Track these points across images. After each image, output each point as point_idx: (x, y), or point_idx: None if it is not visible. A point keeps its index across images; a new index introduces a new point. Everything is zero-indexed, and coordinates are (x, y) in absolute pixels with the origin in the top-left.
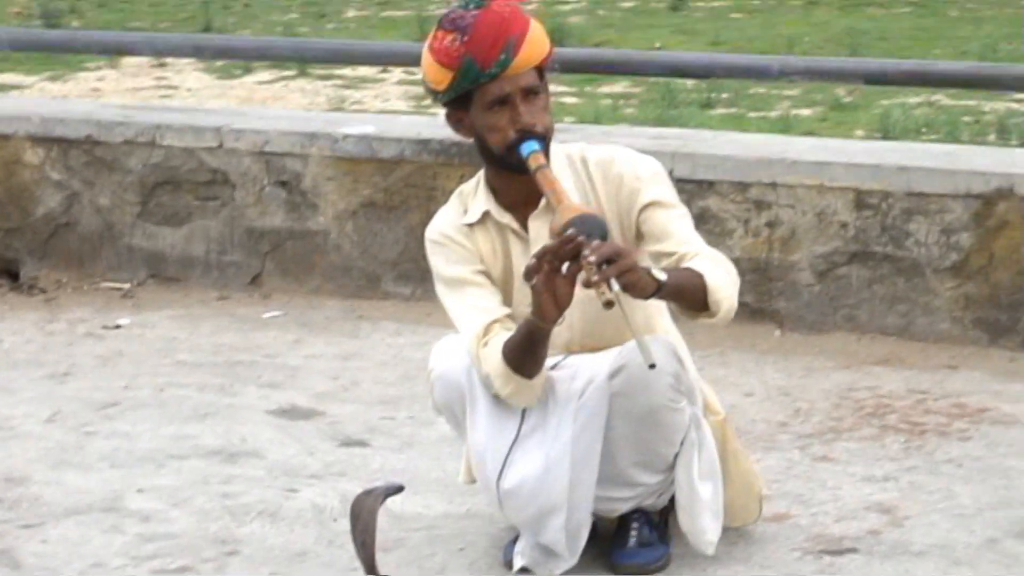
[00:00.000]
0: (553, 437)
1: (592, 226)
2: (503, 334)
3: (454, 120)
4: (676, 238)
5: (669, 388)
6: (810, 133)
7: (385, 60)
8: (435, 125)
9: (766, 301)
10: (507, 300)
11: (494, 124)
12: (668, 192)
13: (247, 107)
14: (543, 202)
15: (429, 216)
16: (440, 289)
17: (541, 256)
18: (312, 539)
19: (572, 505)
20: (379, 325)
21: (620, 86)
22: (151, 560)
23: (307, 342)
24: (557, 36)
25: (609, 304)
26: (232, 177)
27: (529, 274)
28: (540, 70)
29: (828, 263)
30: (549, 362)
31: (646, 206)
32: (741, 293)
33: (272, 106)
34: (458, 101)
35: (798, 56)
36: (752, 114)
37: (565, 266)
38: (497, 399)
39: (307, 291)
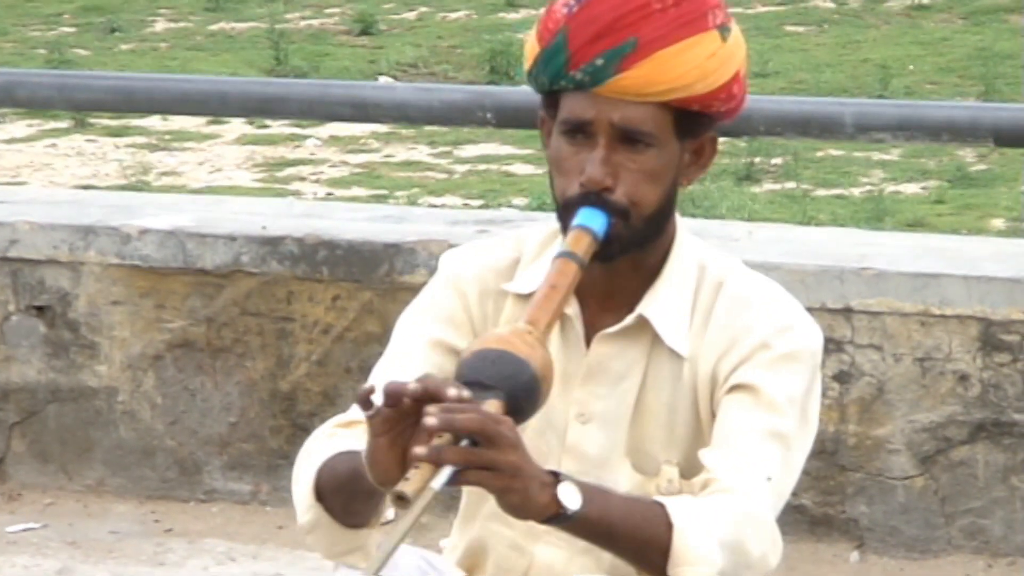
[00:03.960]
0: None
1: (503, 376)
2: (349, 437)
3: (540, 122)
4: (727, 450)
5: None
6: (915, 226)
7: (214, 106)
8: (292, 213)
9: (836, 504)
10: None
11: (562, 159)
12: (785, 388)
13: None
14: (631, 318)
15: (280, 364)
16: (398, 325)
17: (395, 391)
18: None
19: None
20: (199, 544)
21: None
22: None
23: (80, 574)
24: (501, 62)
25: (400, 499)
26: None
27: (365, 401)
28: (684, 115)
29: (938, 441)
30: None
31: (734, 387)
32: (796, 493)
33: (27, 182)
34: (550, 98)
35: (895, 100)
36: (821, 192)
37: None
38: None
39: (80, 488)
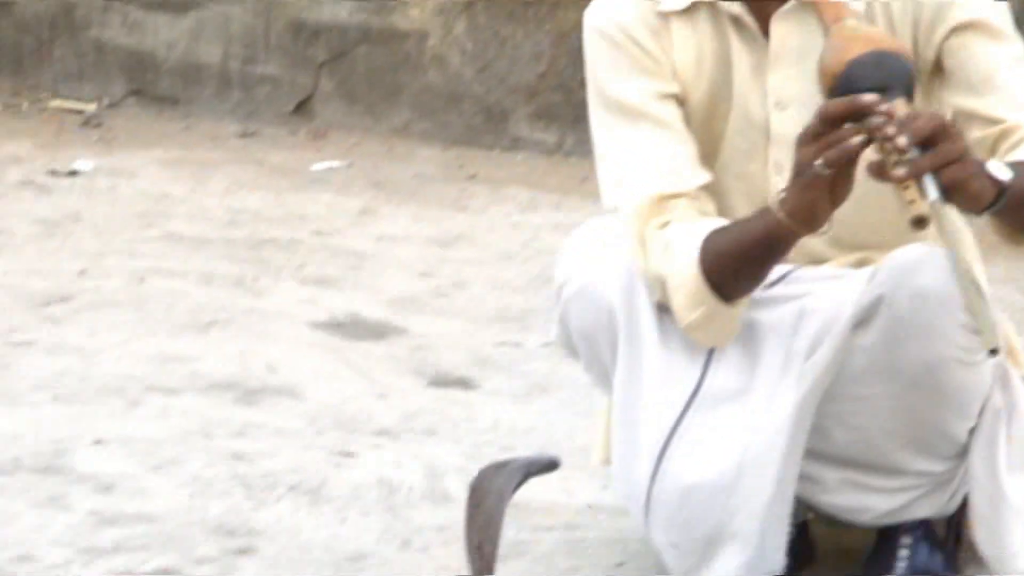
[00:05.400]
0: (760, 412)
1: (892, 73)
2: (694, 221)
3: None
4: (1002, 93)
5: (961, 332)
6: None
7: None
8: None
9: None
10: (708, 155)
11: None
12: (998, 13)
13: None
14: None
15: None
16: (596, 117)
17: (821, 128)
18: (375, 535)
19: (766, 530)
20: (502, 192)
21: None
22: (111, 555)
23: (382, 214)
24: None
25: (920, 222)
26: None
27: (835, 160)
28: None
29: None
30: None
31: (959, 28)
32: None
33: None
34: None
35: None
36: None
37: (855, 139)
38: (667, 328)
39: (386, 130)
